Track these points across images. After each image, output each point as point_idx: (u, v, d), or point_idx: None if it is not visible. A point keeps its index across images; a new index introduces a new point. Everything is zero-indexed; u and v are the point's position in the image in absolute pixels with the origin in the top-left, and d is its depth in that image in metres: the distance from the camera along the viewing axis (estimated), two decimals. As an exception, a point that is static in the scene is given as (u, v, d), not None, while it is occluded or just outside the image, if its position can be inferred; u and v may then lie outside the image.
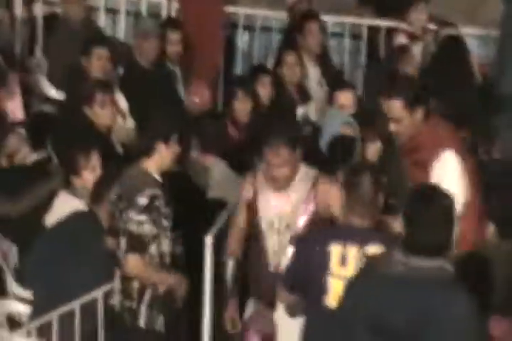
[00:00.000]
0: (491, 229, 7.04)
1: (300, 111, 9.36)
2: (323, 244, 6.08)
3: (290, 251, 6.60)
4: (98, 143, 8.12)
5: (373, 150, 8.39)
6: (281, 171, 6.54)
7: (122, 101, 9.32)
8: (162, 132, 7.17)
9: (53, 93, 9.72)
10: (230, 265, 6.90)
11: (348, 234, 6.14)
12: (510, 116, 9.48)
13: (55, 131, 8.84)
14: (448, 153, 6.87)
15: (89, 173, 7.65)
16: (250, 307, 6.71)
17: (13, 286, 7.81)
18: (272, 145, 6.53)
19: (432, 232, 5.27)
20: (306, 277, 6.12)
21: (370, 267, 5.49)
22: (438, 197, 5.50)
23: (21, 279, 7.72)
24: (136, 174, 7.12)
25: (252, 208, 6.70)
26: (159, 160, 7.10)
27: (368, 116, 8.71)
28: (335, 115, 8.88)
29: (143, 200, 6.88)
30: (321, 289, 5.97)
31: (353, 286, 5.49)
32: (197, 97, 9.47)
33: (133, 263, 6.92)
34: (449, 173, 6.86)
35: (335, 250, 6.11)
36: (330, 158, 8.40)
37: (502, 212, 7.19)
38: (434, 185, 6.40)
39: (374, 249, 5.97)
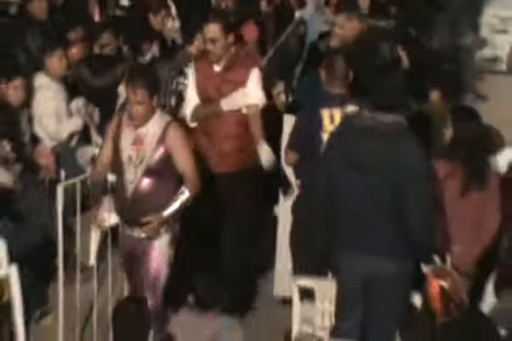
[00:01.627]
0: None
1: (297, 13, 9.15)
2: (316, 110, 6.24)
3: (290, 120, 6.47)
4: (155, 37, 8.17)
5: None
6: (137, 109, 5.55)
7: (173, 8, 9.22)
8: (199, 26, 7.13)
9: (124, 1, 9.55)
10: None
11: (332, 100, 6.26)
12: (447, 14, 9.29)
13: (126, 28, 8.65)
14: (256, 70, 6.41)
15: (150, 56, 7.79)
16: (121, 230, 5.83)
17: (96, 137, 7.75)
18: (132, 84, 5.56)
19: (391, 95, 5.36)
20: (306, 135, 6.25)
21: (347, 121, 5.53)
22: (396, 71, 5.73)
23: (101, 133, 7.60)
24: (183, 54, 7.31)
25: (115, 142, 5.71)
26: (198, 46, 7.20)
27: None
28: (319, 17, 8.71)
29: (188, 70, 6.89)
30: (318, 141, 6.05)
31: (334, 135, 5.57)
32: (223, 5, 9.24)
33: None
34: (259, 83, 6.41)
35: (325, 113, 6.23)
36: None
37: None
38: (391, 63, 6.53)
39: (351, 108, 6.00)
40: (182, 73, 7.04)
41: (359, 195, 5.28)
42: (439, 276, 5.35)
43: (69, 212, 6.22)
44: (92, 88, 7.95)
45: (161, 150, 5.59)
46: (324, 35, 8.12)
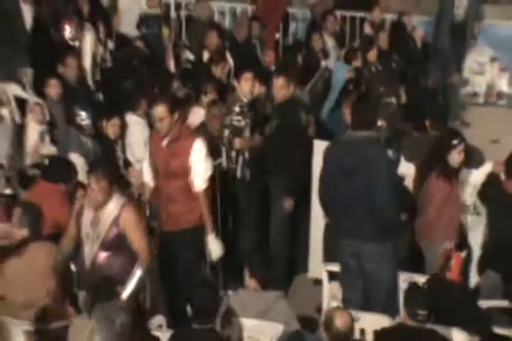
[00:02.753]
0: None
1: (323, 63, 9.06)
2: None
3: None
4: (215, 83, 8.02)
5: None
6: (97, 196, 5.15)
7: (230, 60, 9.05)
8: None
9: (191, 57, 9.44)
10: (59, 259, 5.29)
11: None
12: (439, 60, 9.31)
13: (191, 77, 8.71)
14: (198, 141, 5.83)
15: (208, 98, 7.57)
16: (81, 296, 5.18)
17: None
18: (95, 175, 5.16)
19: (365, 118, 5.44)
20: None
21: (336, 138, 5.78)
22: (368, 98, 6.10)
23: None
24: (232, 96, 7.16)
25: (77, 220, 5.28)
26: (241, 88, 7.04)
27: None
28: (341, 66, 8.71)
29: (236, 108, 6.89)
30: None
31: (329, 150, 5.68)
32: (267, 57, 9.29)
33: (238, 141, 6.83)
34: (202, 154, 5.83)
35: None
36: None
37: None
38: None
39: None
40: (231, 111, 6.97)
41: (347, 192, 5.39)
42: (456, 252, 5.48)
43: (153, 216, 6.25)
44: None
45: (115, 230, 5.17)
46: (349, 80, 8.15)
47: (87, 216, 5.25)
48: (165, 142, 5.86)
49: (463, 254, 5.52)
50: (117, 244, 5.17)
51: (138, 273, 5.17)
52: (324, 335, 4.64)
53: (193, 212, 5.90)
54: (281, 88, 6.73)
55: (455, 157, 5.97)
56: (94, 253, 5.19)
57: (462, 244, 5.70)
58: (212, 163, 5.99)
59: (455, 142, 5.98)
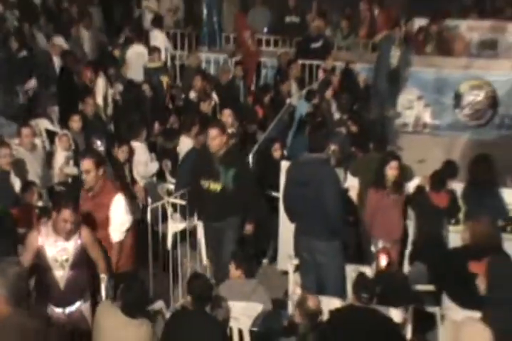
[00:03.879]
0: None
1: (288, 100, 9.10)
2: None
3: None
4: (201, 116, 7.93)
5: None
6: (70, 226, 4.65)
7: (215, 97, 9.02)
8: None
9: (183, 96, 9.42)
10: None
11: None
12: (378, 98, 9.43)
13: (183, 112, 8.67)
14: (118, 196, 5.19)
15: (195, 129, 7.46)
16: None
17: (169, 178, 7.61)
18: (68, 208, 4.61)
19: (317, 143, 5.46)
20: None
21: (296, 159, 5.78)
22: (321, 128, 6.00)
23: (173, 176, 7.49)
24: None
25: (40, 250, 4.66)
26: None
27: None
28: (303, 103, 8.77)
29: None
30: None
31: (289, 167, 5.74)
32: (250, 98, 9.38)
33: None
34: (120, 208, 5.18)
35: None
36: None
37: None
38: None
39: None
40: None
41: (301, 200, 5.41)
42: (387, 250, 5.63)
43: (156, 222, 6.33)
44: (165, 149, 7.96)
45: (79, 248, 4.74)
46: (308, 114, 8.20)
47: (51, 244, 4.71)
48: (90, 194, 5.24)
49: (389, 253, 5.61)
50: (81, 260, 4.80)
51: (105, 279, 4.99)
52: (296, 313, 4.75)
53: (119, 260, 5.25)
54: (214, 138, 5.89)
55: (389, 172, 6.03)
56: (67, 274, 4.73)
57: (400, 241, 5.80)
58: (130, 216, 5.31)
59: (388, 159, 6.09)
